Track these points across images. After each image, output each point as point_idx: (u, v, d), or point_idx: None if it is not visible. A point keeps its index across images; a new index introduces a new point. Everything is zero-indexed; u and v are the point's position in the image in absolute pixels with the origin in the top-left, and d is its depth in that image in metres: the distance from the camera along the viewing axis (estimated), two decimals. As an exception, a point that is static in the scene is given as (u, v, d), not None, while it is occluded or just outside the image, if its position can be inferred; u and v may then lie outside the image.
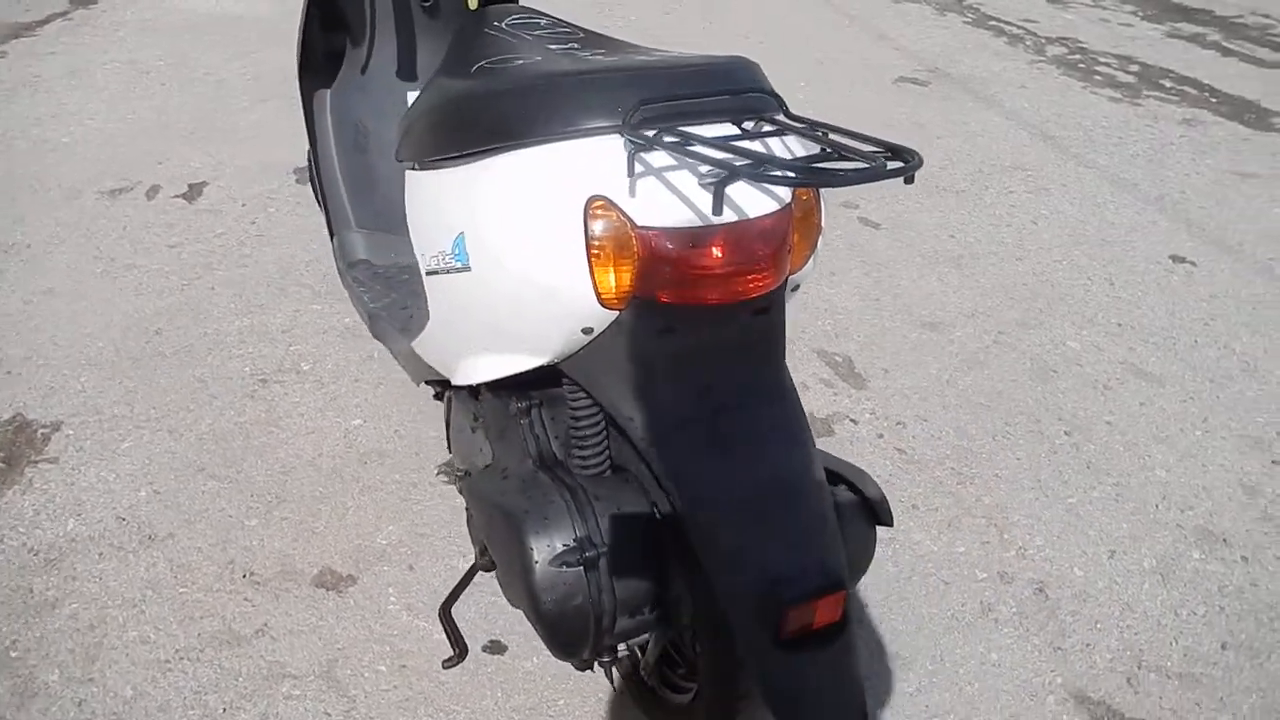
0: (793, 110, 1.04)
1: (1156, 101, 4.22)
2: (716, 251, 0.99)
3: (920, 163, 0.82)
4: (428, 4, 1.90)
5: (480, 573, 1.57)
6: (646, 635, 1.23)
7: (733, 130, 1.03)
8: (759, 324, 1.08)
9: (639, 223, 0.97)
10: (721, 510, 1.01)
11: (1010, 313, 2.57)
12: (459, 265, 1.12)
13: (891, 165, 0.82)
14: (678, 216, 0.98)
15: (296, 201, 2.92)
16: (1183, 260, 2.88)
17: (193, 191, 2.97)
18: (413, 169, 1.30)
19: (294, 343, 2.29)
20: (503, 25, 1.40)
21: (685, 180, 0.98)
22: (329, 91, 2.02)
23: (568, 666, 1.49)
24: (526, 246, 1.03)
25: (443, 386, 1.59)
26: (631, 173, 0.97)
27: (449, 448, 1.59)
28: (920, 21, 5.18)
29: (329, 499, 1.83)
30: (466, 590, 1.59)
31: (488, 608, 1.62)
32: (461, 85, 1.18)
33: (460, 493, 1.39)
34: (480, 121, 1.10)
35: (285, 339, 2.30)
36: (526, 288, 1.05)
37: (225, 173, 3.09)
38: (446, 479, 1.88)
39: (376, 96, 1.98)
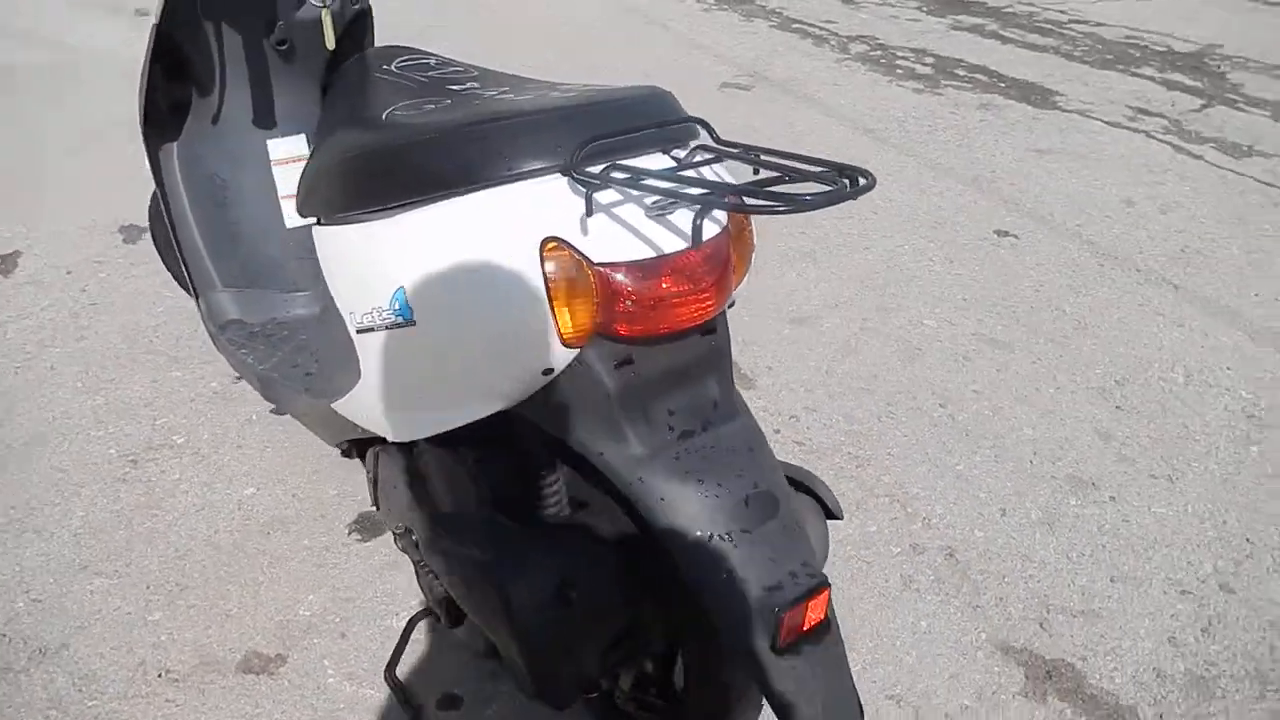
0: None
1: (954, 90, 4.57)
2: (669, 281, 1.01)
3: (874, 180, 0.87)
4: (283, 47, 1.82)
5: (415, 627, 1.53)
6: (621, 664, 1.24)
7: (668, 160, 1.06)
8: (708, 344, 1.11)
9: (595, 260, 0.98)
10: (707, 533, 1.03)
11: (869, 299, 2.73)
12: (400, 320, 1.09)
13: (856, 185, 0.86)
14: (630, 251, 0.99)
15: (130, 263, 2.73)
16: (1006, 234, 3.14)
17: (5, 264, 2.72)
18: (319, 224, 1.25)
19: (159, 415, 2.14)
20: (393, 69, 1.37)
21: (633, 214, 1.00)
22: (176, 145, 1.90)
23: (530, 709, 1.47)
24: (481, 294, 1.02)
25: (363, 445, 1.54)
26: (585, 212, 0.98)
27: (376, 505, 1.53)
28: (730, 28, 5.39)
29: (236, 577, 1.72)
30: (407, 647, 1.55)
31: (432, 662, 1.57)
32: (376, 136, 1.15)
33: (403, 550, 1.35)
34: (409, 171, 1.07)
35: (148, 412, 2.14)
36: (481, 335, 1.04)
37: (39, 239, 2.84)
38: (360, 538, 1.81)
39: (231, 146, 1.89)
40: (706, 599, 1.02)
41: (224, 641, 1.59)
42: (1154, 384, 2.40)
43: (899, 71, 4.80)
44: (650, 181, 0.94)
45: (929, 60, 4.99)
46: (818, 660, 1.05)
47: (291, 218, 1.93)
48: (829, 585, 1.06)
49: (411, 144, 1.09)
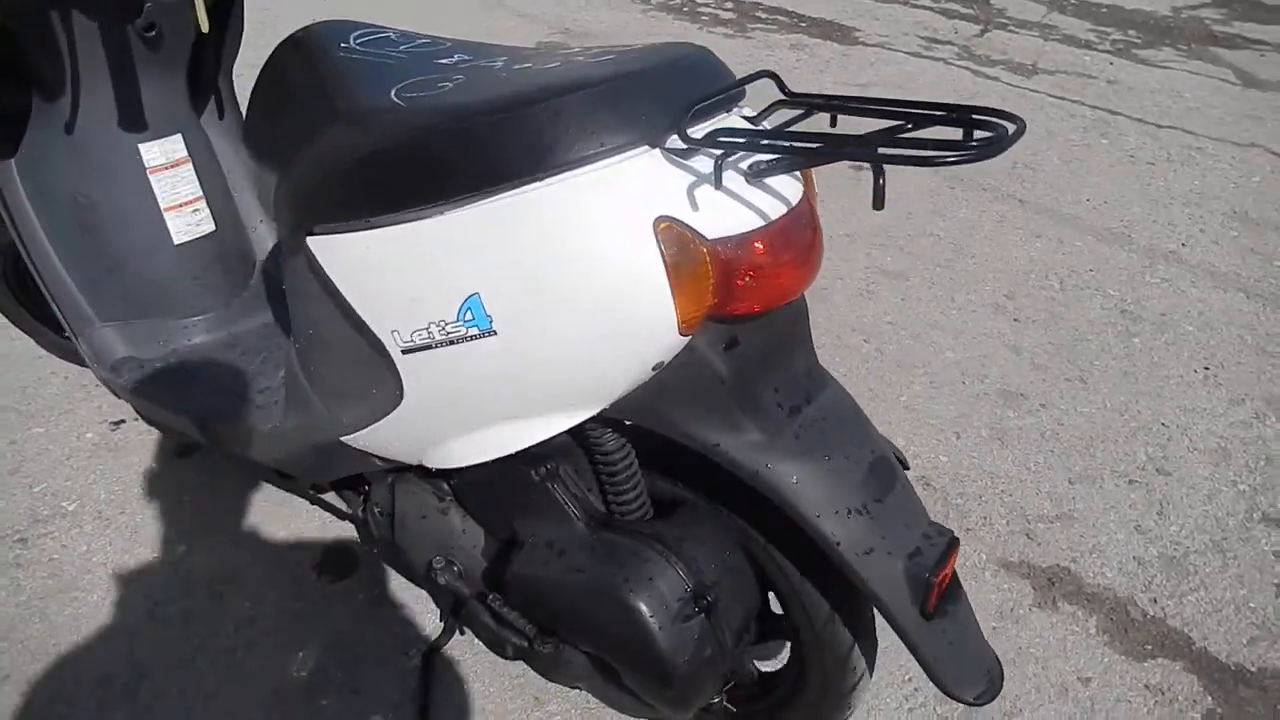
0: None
1: (763, 32, 4.66)
2: (783, 248, 0.94)
3: (1024, 125, 0.84)
4: (150, 34, 1.55)
5: (434, 662, 1.39)
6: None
7: (740, 120, 0.99)
8: (795, 312, 1.05)
9: (709, 236, 0.90)
10: (845, 508, 0.99)
11: (762, 246, 2.74)
12: (475, 332, 0.95)
13: (1018, 131, 0.82)
14: (740, 221, 0.92)
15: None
16: (860, 168, 3.25)
17: None
18: (314, 235, 1.06)
19: (34, 481, 1.81)
20: (355, 46, 1.18)
21: (732, 181, 0.92)
22: (14, 162, 1.58)
23: (592, 717, 1.38)
24: (584, 290, 0.90)
25: (352, 479, 1.36)
26: (690, 185, 0.89)
27: (372, 540, 1.36)
28: (526, -16, 5.22)
29: (202, 652, 1.49)
30: (432, 685, 1.41)
31: (468, 697, 1.44)
32: (398, 124, 0.98)
33: (441, 585, 1.21)
34: (463, 161, 0.92)
35: (21, 481, 1.81)
36: (583, 336, 0.93)
37: None
38: (333, 578, 1.62)
39: (96, 158, 1.60)
40: (856, 576, 0.98)
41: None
42: (1036, 294, 2.57)
43: (704, 19, 4.84)
44: (772, 142, 0.86)
45: (728, 5, 5.05)
46: (958, 618, 1.04)
47: (180, 232, 1.67)
48: (959, 541, 1.05)
49: (457, 129, 0.94)
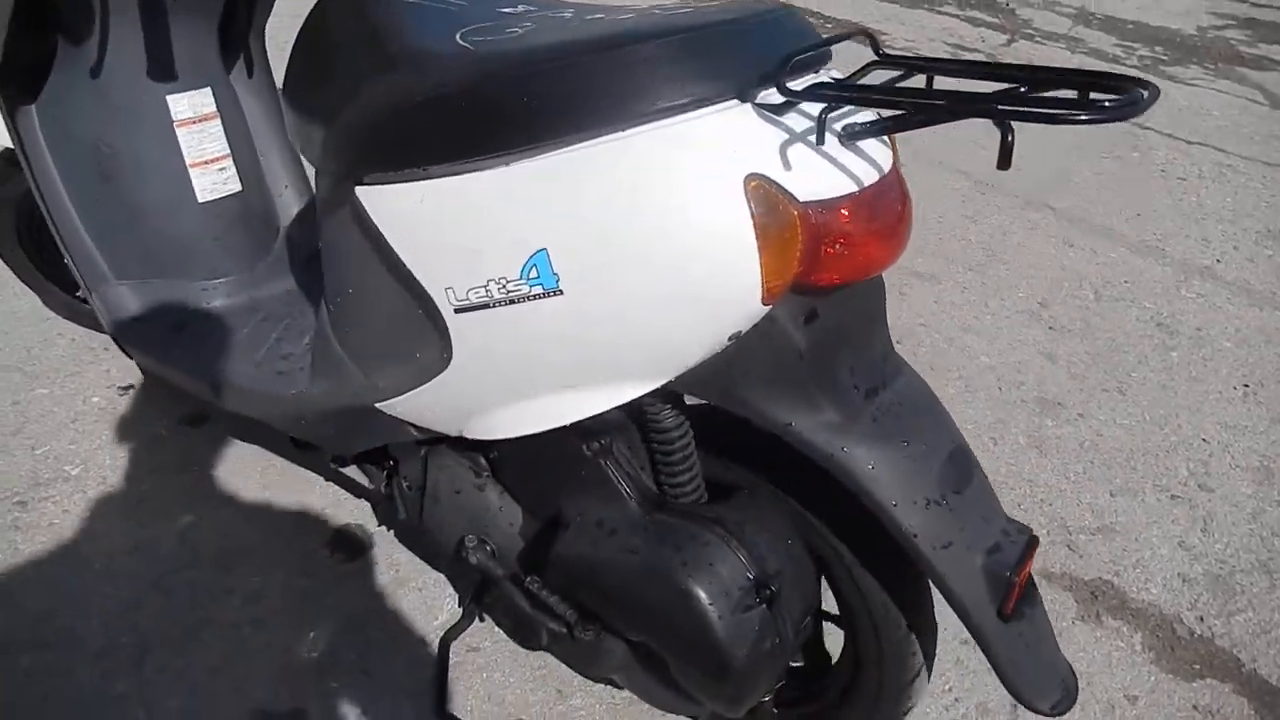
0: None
1: (789, 30, 4.60)
2: (875, 216, 0.88)
3: (1158, 91, 0.77)
4: (184, -21, 1.48)
5: (450, 649, 1.32)
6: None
7: (828, 79, 0.92)
8: (873, 290, 0.99)
9: (800, 198, 0.83)
10: (923, 499, 0.92)
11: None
12: (540, 290, 0.88)
13: (1144, 97, 0.76)
14: (833, 184, 0.85)
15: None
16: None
17: None
18: (364, 185, 0.99)
19: (36, 444, 1.73)
20: None
21: (828, 143, 0.85)
22: (35, 106, 1.51)
23: (618, 712, 1.31)
24: (664, 250, 0.84)
25: (378, 450, 1.28)
26: (783, 142, 0.82)
27: (396, 517, 1.29)
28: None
29: (206, 626, 1.42)
30: (449, 674, 1.34)
31: (488, 686, 1.37)
32: (464, 68, 0.91)
33: (472, 566, 1.14)
34: (537, 107, 0.85)
35: (23, 442, 1.73)
36: (657, 299, 0.86)
37: None
38: (345, 557, 1.55)
39: (121, 106, 1.52)
40: (932, 570, 0.91)
41: (220, 708, 1.31)
42: (1070, 303, 2.51)
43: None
44: (889, 98, 0.79)
45: (757, 2, 5.00)
46: (1035, 622, 0.98)
47: (205, 190, 1.60)
48: (1038, 540, 0.98)
49: (531, 74, 0.87)
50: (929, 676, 1.11)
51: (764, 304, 0.85)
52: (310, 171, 1.23)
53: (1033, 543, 0.97)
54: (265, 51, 1.73)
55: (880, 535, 1.00)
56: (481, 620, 1.43)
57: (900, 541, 0.91)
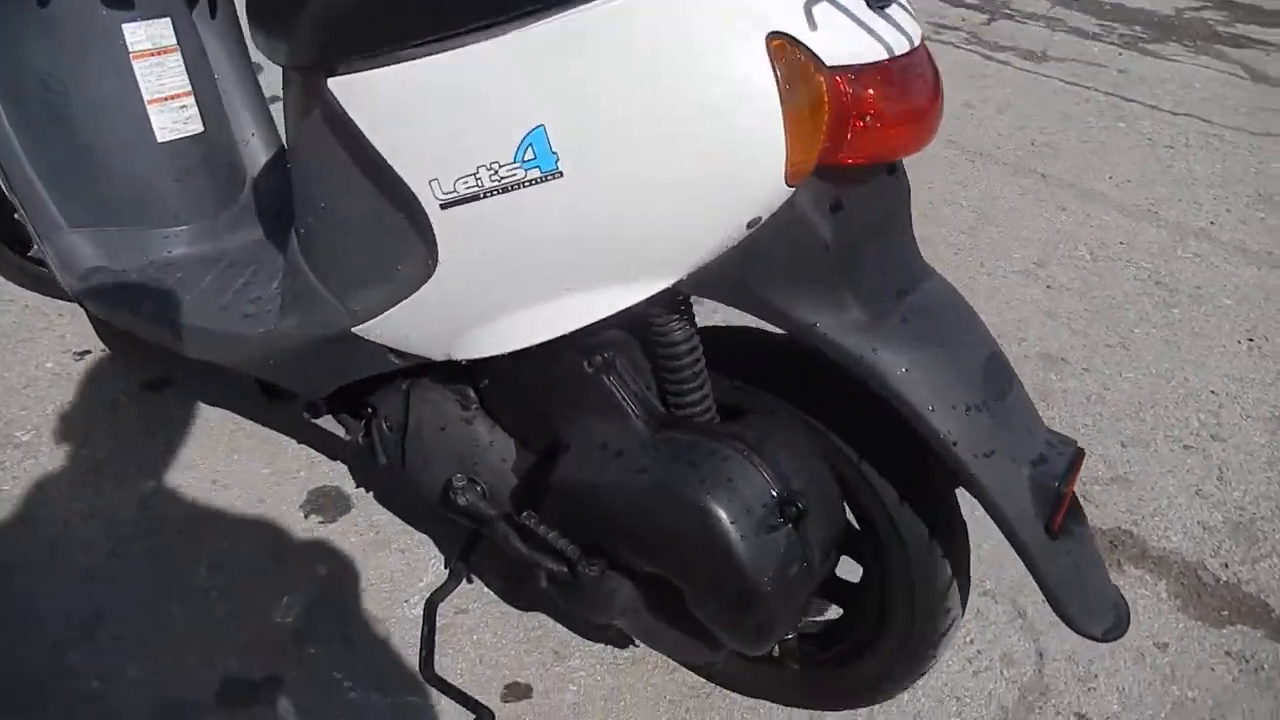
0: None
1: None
2: (905, 91, 0.79)
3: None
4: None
5: (437, 610, 1.22)
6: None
7: None
8: (898, 184, 0.91)
9: (828, 62, 0.74)
10: (963, 405, 0.83)
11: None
12: (535, 174, 0.79)
13: None
14: (860, 50, 0.76)
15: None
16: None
17: None
18: (337, 76, 0.90)
19: (-17, 410, 1.61)
20: None
21: (854, 4, 0.77)
22: None
23: (622, 686, 1.22)
24: (676, 120, 0.75)
25: (354, 394, 1.18)
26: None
27: (384, 467, 1.19)
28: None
29: (169, 593, 1.31)
30: (438, 635, 1.24)
31: (479, 648, 1.27)
32: None
33: (461, 509, 1.04)
34: None
35: (-32, 408, 1.61)
36: (669, 179, 0.77)
37: None
38: (323, 519, 1.45)
39: (72, 36, 1.41)
40: (974, 481, 0.83)
41: (187, 677, 1.20)
42: (1066, 263, 2.45)
43: None
44: None
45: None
46: (1083, 543, 0.90)
47: (165, 129, 1.49)
48: (1084, 453, 0.90)
49: None
50: (963, 607, 1.03)
51: (788, 184, 0.76)
52: (280, 120, 1.14)
53: (1079, 455, 0.89)
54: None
55: (909, 457, 0.91)
56: (470, 582, 1.34)
57: (938, 450, 0.83)
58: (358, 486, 1.51)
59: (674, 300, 0.89)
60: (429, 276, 0.90)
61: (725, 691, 1.24)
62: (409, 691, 1.20)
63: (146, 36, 1.45)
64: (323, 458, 1.56)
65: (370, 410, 1.21)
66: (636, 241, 0.81)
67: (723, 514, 0.83)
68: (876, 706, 1.24)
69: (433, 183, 0.84)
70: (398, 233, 0.91)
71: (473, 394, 1.06)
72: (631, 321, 0.91)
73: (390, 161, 0.87)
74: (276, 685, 1.20)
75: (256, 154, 1.66)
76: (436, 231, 0.87)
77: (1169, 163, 3.18)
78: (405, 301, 0.94)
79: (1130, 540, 1.55)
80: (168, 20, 1.48)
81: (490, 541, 1.09)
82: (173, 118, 1.49)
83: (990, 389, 0.86)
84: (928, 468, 0.94)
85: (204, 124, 1.54)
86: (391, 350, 1.01)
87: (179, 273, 1.46)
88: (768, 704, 1.23)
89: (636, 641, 1.30)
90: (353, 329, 1.01)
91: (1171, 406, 1.90)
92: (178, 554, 1.37)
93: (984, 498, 0.83)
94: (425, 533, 1.44)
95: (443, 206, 0.85)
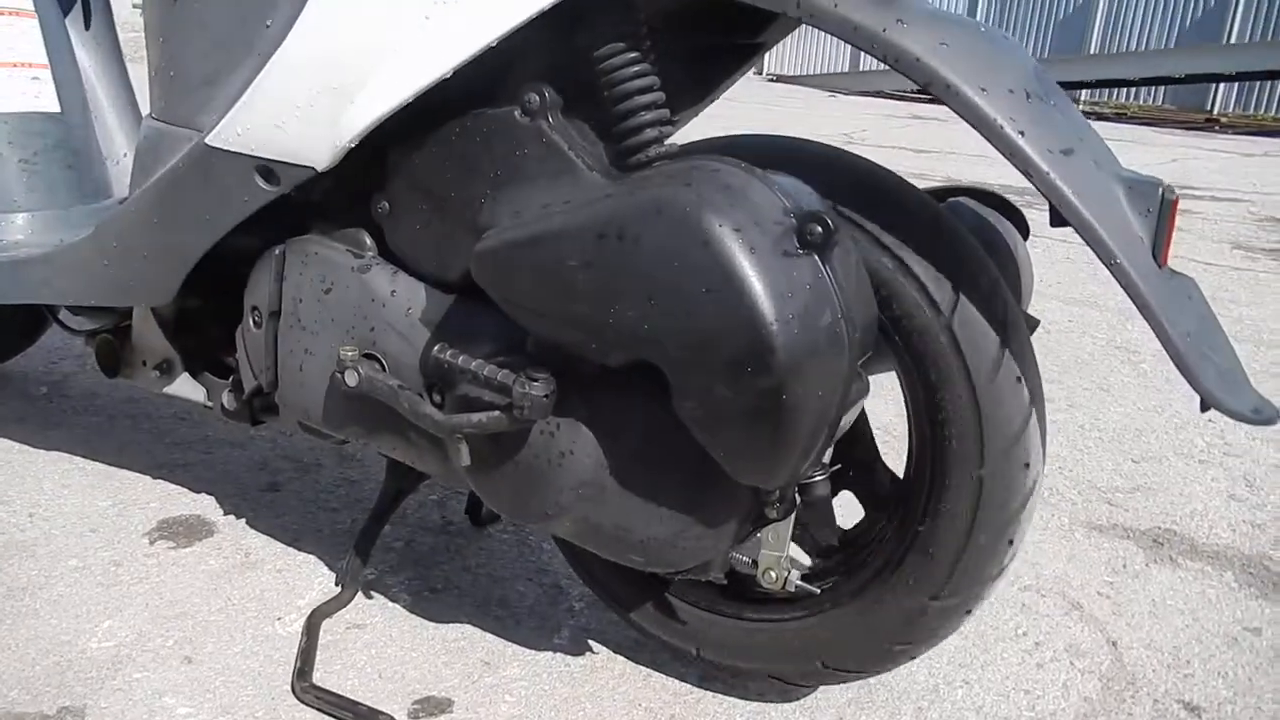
0: None
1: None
2: None
3: None
4: None
5: (321, 627, 0.90)
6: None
7: None
8: None
9: None
10: (1019, 91, 0.64)
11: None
12: None
13: None
14: None
15: None
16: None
17: None
18: None
19: None
20: None
21: None
22: None
23: (565, 698, 0.88)
24: None
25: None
26: None
27: (256, 398, 0.90)
28: None
29: None
30: (319, 652, 0.91)
31: (384, 659, 0.92)
32: None
33: (360, 387, 0.74)
34: None
35: None
36: None
37: None
38: (175, 544, 1.10)
39: None
40: (1053, 186, 0.61)
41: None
42: (1021, 336, 2.32)
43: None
44: None
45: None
46: (1195, 292, 0.68)
47: (9, 96, 1.28)
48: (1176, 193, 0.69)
49: None
50: (1043, 465, 0.77)
51: None
52: None
53: (1171, 189, 0.68)
54: (109, 7, 1.48)
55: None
56: (369, 597, 1.01)
57: (1000, 144, 0.61)
58: (227, 514, 1.18)
59: None
60: (297, 16, 0.68)
61: (719, 695, 0.91)
62: (271, 713, 0.83)
63: (-2, -9, 1.27)
64: (182, 490, 1.23)
65: (234, 361, 0.93)
66: None
67: (723, 224, 0.58)
68: (926, 701, 0.92)
69: None
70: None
71: (367, 238, 0.80)
72: (565, 42, 0.69)
73: None
74: (75, 716, 0.82)
75: (128, 175, 1.45)
76: None
77: (1098, 268, 3.19)
78: (274, 58, 0.71)
79: (1175, 538, 1.30)
80: (26, -18, 1.31)
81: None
82: (20, 86, 1.28)
83: (1046, 83, 0.66)
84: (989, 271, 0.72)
85: (61, 107, 1.32)
86: (259, 168, 0.76)
87: (11, 251, 1.19)
88: (773, 706, 0.90)
89: (596, 647, 0.97)
90: (207, 140, 0.77)
91: (1172, 431, 1.71)
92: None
93: (1068, 206, 0.61)
94: (311, 552, 1.11)
95: None
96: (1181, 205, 3.90)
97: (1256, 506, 1.41)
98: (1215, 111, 9.39)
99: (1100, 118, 9.33)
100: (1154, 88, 9.52)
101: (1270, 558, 1.26)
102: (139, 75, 1.10)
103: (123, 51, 1.50)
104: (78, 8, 1.43)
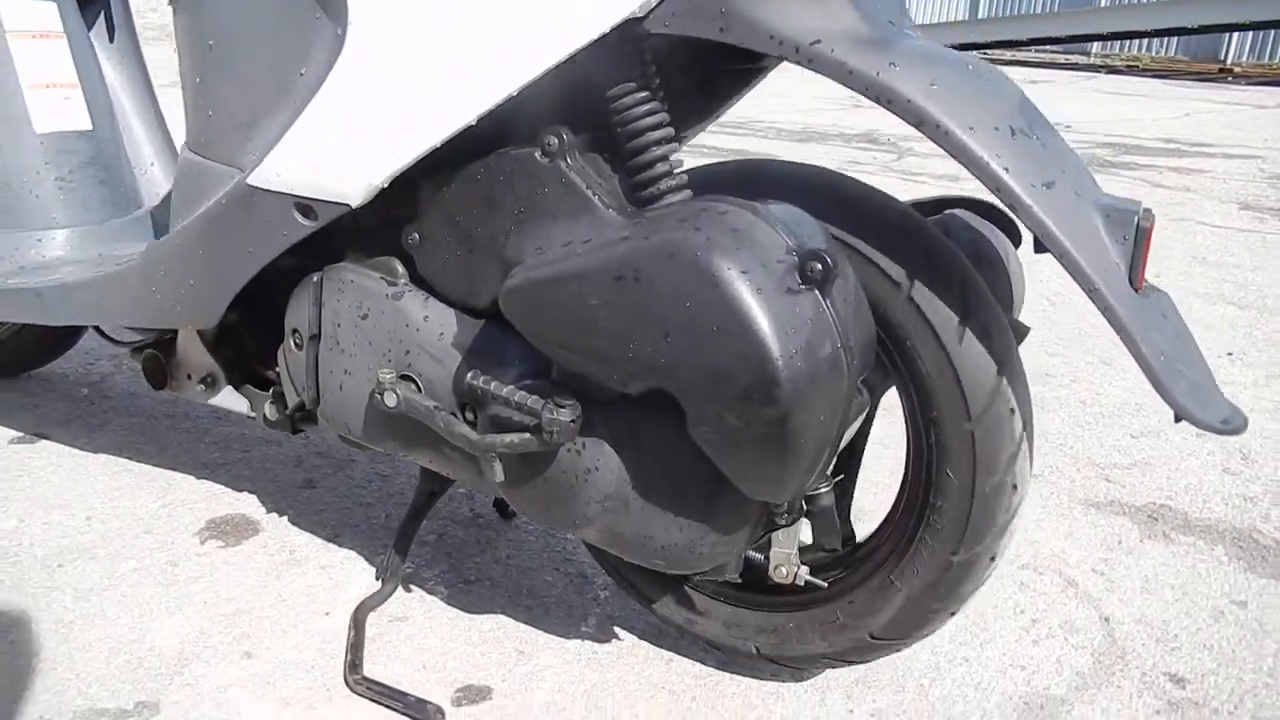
0: None
1: (689, 157, 4.68)
2: None
3: None
4: None
5: (368, 619, 0.98)
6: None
7: None
8: None
9: None
10: (1005, 129, 0.69)
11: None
12: None
13: None
14: None
15: None
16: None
17: None
18: None
19: None
20: None
21: None
22: None
23: (603, 684, 0.95)
24: None
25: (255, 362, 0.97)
26: None
27: (299, 414, 0.97)
28: None
29: (30, 620, 1.02)
30: (367, 644, 0.98)
31: (427, 651, 0.99)
32: None
33: (399, 408, 0.81)
34: None
35: None
36: None
37: None
38: (224, 543, 1.18)
39: None
40: (1036, 219, 0.67)
41: (34, 710, 0.90)
42: (1029, 308, 2.37)
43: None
44: None
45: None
46: (1169, 310, 0.74)
47: (44, 118, 1.34)
48: (1153, 215, 0.75)
49: None
50: (1032, 458, 0.83)
51: None
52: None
53: (1148, 213, 0.73)
54: (131, 20, 1.53)
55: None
56: (408, 590, 1.08)
57: (988, 180, 0.67)
58: (269, 512, 1.26)
59: (635, 41, 0.73)
60: (339, 51, 0.74)
61: (737, 677, 0.98)
62: (329, 703, 0.91)
63: (28, 16, 1.32)
64: (224, 489, 1.31)
65: (275, 373, 1.00)
66: None
67: (730, 266, 0.64)
68: (928, 680, 0.99)
69: None
70: (297, 25, 0.75)
71: (399, 266, 0.86)
72: (580, 87, 0.74)
73: None
74: (151, 711, 0.90)
75: (157, 184, 1.51)
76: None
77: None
78: (311, 106, 0.77)
79: (1170, 513, 1.36)
80: (54, 6, 1.36)
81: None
82: (55, 107, 1.34)
83: (1030, 116, 0.72)
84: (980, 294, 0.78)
85: (93, 123, 1.38)
86: (298, 205, 0.82)
87: (55, 274, 1.25)
88: (790, 687, 0.97)
89: (621, 634, 1.04)
90: (249, 180, 0.83)
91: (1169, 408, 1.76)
92: (36, 585, 1.08)
93: (1050, 237, 0.66)
94: (351, 547, 1.18)
95: None
96: (1191, 164, 3.96)
97: (1250, 480, 1.47)
98: (1229, 61, 9.29)
99: (1113, 70, 9.26)
100: (1167, 38, 9.41)
101: (1260, 530, 1.32)
102: (155, 58, 1.15)
103: (146, 64, 1.55)
104: (101, 21, 1.49)
